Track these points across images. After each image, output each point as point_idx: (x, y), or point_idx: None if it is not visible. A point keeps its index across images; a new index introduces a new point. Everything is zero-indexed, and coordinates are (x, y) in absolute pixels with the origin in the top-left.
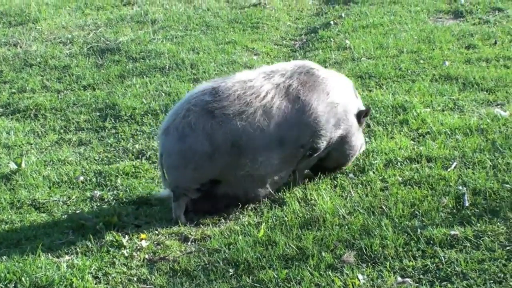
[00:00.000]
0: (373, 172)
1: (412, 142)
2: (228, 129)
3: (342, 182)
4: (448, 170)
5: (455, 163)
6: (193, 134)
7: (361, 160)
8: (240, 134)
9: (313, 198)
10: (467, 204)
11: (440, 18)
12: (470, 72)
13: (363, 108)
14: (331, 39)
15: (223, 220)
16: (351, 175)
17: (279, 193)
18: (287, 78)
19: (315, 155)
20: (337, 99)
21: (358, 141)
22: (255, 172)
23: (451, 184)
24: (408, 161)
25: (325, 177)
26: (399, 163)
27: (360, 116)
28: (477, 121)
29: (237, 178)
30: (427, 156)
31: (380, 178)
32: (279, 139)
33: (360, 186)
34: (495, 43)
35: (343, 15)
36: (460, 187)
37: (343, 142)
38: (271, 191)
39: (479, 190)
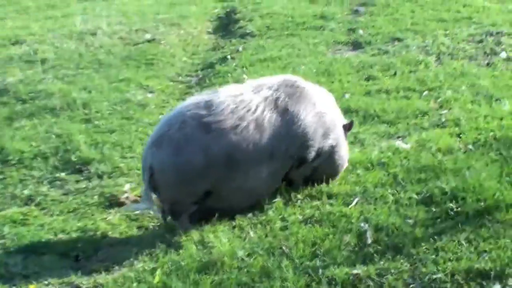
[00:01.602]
0: (273, 211)
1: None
2: (223, 143)
3: (241, 222)
4: (350, 206)
5: (356, 199)
6: (190, 147)
7: (261, 200)
8: (234, 147)
9: (210, 240)
10: (369, 241)
11: (339, 49)
12: (370, 104)
13: (344, 121)
14: (229, 74)
15: (116, 267)
16: (249, 214)
17: (175, 237)
18: (274, 90)
19: (304, 166)
20: (324, 109)
21: (346, 153)
22: (245, 185)
23: (352, 221)
24: (308, 198)
25: (223, 218)
26: (299, 201)
27: (345, 128)
28: (378, 154)
29: (228, 191)
30: (328, 192)
31: (280, 217)
32: (270, 152)
33: (260, 226)
34: (395, 73)
35: (240, 49)
36: (362, 224)
37: (333, 152)
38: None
39: (382, 226)
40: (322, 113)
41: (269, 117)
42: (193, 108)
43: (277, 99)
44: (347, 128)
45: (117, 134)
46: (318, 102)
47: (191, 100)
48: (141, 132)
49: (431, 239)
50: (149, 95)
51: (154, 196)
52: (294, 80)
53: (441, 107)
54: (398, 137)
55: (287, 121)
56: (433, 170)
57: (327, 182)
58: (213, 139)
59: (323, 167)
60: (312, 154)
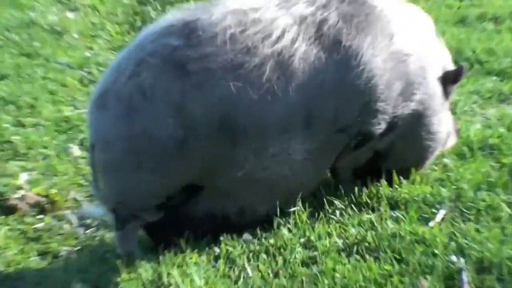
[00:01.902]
0: (289, 230)
1: None
2: (214, 96)
3: (230, 249)
4: (431, 223)
5: (442, 212)
6: (150, 106)
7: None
8: (235, 105)
9: (173, 281)
10: None
11: None
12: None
13: (450, 65)
14: None
15: None
16: (245, 234)
17: (108, 272)
18: (320, 7)
19: (366, 145)
20: (409, 47)
21: (444, 125)
22: (261, 174)
23: (436, 250)
24: (354, 207)
25: (199, 241)
26: (337, 212)
27: (446, 80)
28: (482, 131)
29: (229, 184)
30: (390, 197)
31: (301, 240)
32: (305, 116)
33: (264, 256)
34: None
35: None
36: (453, 257)
37: (418, 124)
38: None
39: (490, 261)
40: (404, 54)
41: (304, 53)
42: (160, 36)
43: (322, 22)
44: (452, 79)
45: (12, 82)
46: (399, 34)
47: (160, 22)
48: (52, 81)
49: None
50: (70, 15)
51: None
52: None
53: None
54: None
55: (338, 63)
56: None
57: (405, 177)
58: (195, 90)
59: (399, 148)
60: (381, 125)
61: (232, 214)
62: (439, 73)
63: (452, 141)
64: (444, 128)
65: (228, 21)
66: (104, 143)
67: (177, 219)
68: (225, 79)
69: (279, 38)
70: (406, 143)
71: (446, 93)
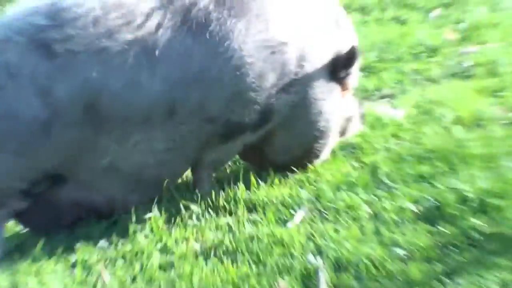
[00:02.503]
0: (146, 236)
1: None
2: (78, 79)
3: (86, 256)
4: (289, 225)
5: (301, 212)
6: (14, 85)
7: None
8: (99, 88)
9: None
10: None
11: None
12: None
13: (346, 46)
14: None
15: None
16: (102, 241)
17: None
18: None
19: (238, 137)
20: (287, 35)
21: (333, 114)
22: (124, 163)
23: (293, 252)
24: (212, 211)
25: (57, 248)
26: (194, 216)
27: (336, 64)
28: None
29: (93, 173)
30: (249, 200)
31: (159, 245)
32: (168, 105)
33: (121, 262)
34: None
35: None
36: (311, 257)
37: (296, 115)
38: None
39: (347, 261)
40: (280, 42)
41: (170, 38)
42: (27, 15)
43: (192, 5)
44: (345, 62)
45: None
46: (275, 17)
47: (26, 1)
48: None
49: (438, 282)
50: None
51: None
52: None
53: (464, 39)
54: (381, 98)
55: (206, 49)
56: (444, 159)
57: (294, 168)
58: (60, 72)
59: (279, 139)
60: (252, 117)
61: (99, 203)
62: (327, 59)
63: (355, 126)
64: (332, 115)
65: (93, 3)
66: None
67: (44, 207)
68: (89, 63)
69: (144, 22)
70: (286, 134)
71: (339, 79)
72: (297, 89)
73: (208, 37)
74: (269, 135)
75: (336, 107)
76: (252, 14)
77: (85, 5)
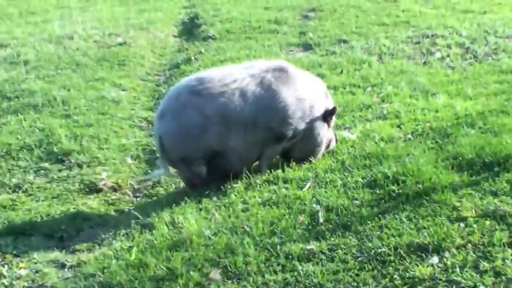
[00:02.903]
0: (235, 195)
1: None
2: (214, 104)
3: (207, 205)
4: (303, 190)
5: (309, 183)
6: (186, 111)
7: (223, 185)
8: (224, 107)
9: (180, 221)
10: (321, 220)
11: (292, 50)
12: None
13: (330, 106)
14: (193, 73)
15: (97, 247)
16: (214, 198)
17: (148, 218)
18: (263, 71)
19: (282, 142)
20: (305, 96)
21: (324, 137)
22: (238, 146)
23: (306, 202)
24: (266, 183)
25: (191, 201)
26: (258, 186)
27: (326, 114)
28: None
29: (229, 150)
30: (283, 178)
31: (241, 200)
32: (253, 118)
33: (223, 208)
34: (341, 72)
35: (203, 50)
36: (315, 205)
37: (308, 135)
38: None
39: (332, 207)
40: (302, 99)
41: (253, 90)
42: (186, 82)
43: (263, 78)
44: (330, 113)
45: (94, 128)
46: (300, 88)
47: (184, 80)
48: (115, 126)
49: (376, 217)
50: (122, 93)
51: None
52: (285, 66)
53: (383, 101)
54: (345, 128)
55: (270, 96)
56: (376, 157)
57: (303, 163)
58: (205, 101)
59: (299, 146)
60: (290, 132)
61: (229, 169)
62: (322, 109)
63: (333, 144)
64: (323, 138)
65: (217, 74)
66: (166, 133)
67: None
68: (218, 97)
69: (241, 82)
70: (302, 144)
71: (327, 120)
72: (309, 122)
73: (271, 91)
74: (293, 144)
75: (325, 133)
76: (290, 84)
77: (214, 75)
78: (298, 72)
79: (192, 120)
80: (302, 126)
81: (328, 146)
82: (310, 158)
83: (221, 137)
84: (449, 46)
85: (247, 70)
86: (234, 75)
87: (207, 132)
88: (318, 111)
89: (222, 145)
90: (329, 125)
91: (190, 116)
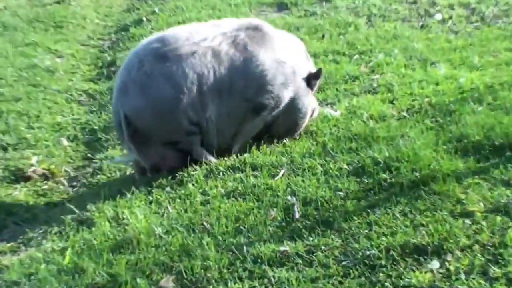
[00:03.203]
0: (192, 184)
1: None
2: (185, 69)
3: (158, 197)
4: (276, 178)
5: (283, 171)
6: (154, 82)
7: (179, 172)
8: (197, 72)
9: (125, 217)
10: (297, 215)
11: (263, 11)
12: None
13: (313, 69)
14: (144, 37)
15: (23, 247)
16: (167, 188)
17: (87, 213)
18: (234, 30)
19: (262, 114)
20: (285, 58)
21: (309, 106)
22: (214, 118)
23: (279, 194)
24: (231, 170)
25: (139, 192)
26: (221, 173)
27: (310, 78)
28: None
29: (219, 118)
30: (252, 163)
31: (200, 190)
32: (229, 85)
33: (178, 200)
34: (323, 36)
35: (156, 10)
36: (289, 197)
37: (292, 105)
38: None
39: (310, 199)
40: (282, 61)
41: (227, 50)
42: (146, 45)
43: (236, 36)
44: (314, 77)
45: (23, 103)
46: (279, 49)
47: (143, 42)
48: (49, 100)
49: (363, 212)
50: (58, 60)
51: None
52: (258, 24)
53: (372, 71)
54: (327, 104)
55: (245, 59)
56: (364, 139)
57: (287, 138)
58: (173, 66)
59: (281, 120)
60: (270, 101)
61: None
62: (305, 74)
63: (316, 113)
64: (308, 107)
65: (182, 32)
66: (135, 114)
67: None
68: (188, 59)
69: (212, 40)
70: (286, 116)
71: (311, 86)
72: (292, 88)
73: (247, 53)
74: (275, 118)
75: (309, 101)
76: (267, 45)
77: (179, 34)
78: (274, 30)
79: (163, 93)
80: (284, 94)
81: (311, 115)
82: (294, 132)
83: (197, 107)
84: (451, 6)
85: (216, 28)
86: (203, 32)
87: (183, 104)
88: (301, 75)
89: (200, 117)
90: (312, 91)
91: (160, 88)
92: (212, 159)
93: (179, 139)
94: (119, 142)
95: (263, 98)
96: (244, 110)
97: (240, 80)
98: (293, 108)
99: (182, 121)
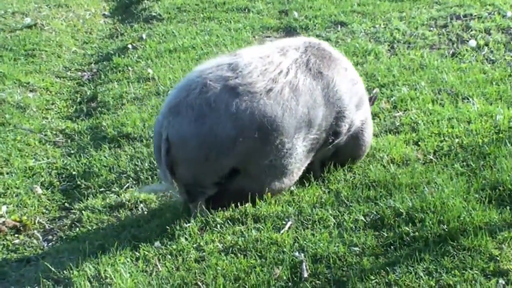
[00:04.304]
0: (186, 238)
1: None
2: (255, 109)
3: (146, 252)
4: (282, 231)
5: (289, 223)
6: (214, 114)
7: (170, 225)
8: (268, 115)
9: (108, 275)
10: (306, 274)
11: (269, 36)
12: None
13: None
14: (129, 68)
15: None
16: (157, 243)
17: (64, 271)
18: (302, 52)
19: (336, 142)
20: (355, 77)
21: (372, 131)
22: (279, 162)
23: (285, 249)
24: (230, 222)
25: (125, 247)
26: (218, 226)
27: (370, 100)
28: None
29: (258, 169)
30: (254, 215)
31: (194, 245)
32: (307, 122)
33: (170, 257)
34: None
35: (144, 36)
36: (297, 253)
37: (362, 127)
38: (289, 185)
39: (321, 255)
40: (354, 80)
41: (303, 81)
42: (215, 70)
43: (308, 61)
44: (371, 101)
45: None
46: (349, 68)
47: (209, 63)
48: (20, 141)
49: (382, 270)
50: (30, 95)
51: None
52: (318, 42)
53: (394, 107)
54: None
55: (323, 85)
56: (384, 186)
57: (347, 165)
58: (242, 104)
59: (349, 146)
60: (345, 127)
61: (255, 190)
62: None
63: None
64: (371, 132)
65: (256, 62)
66: (181, 140)
67: (222, 193)
68: (262, 99)
69: (288, 73)
70: (354, 141)
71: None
72: (363, 110)
73: (322, 78)
74: (342, 145)
75: (372, 126)
76: (338, 65)
77: (253, 64)
78: (331, 47)
79: (220, 129)
80: (357, 117)
81: None
82: (360, 158)
83: (252, 154)
84: (487, 31)
85: (285, 55)
86: (276, 63)
87: (235, 149)
88: (366, 96)
89: (249, 164)
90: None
91: (218, 122)
92: (204, 212)
93: (206, 184)
94: (156, 167)
95: (340, 125)
96: (321, 142)
97: (319, 113)
98: (363, 131)
99: (223, 166)
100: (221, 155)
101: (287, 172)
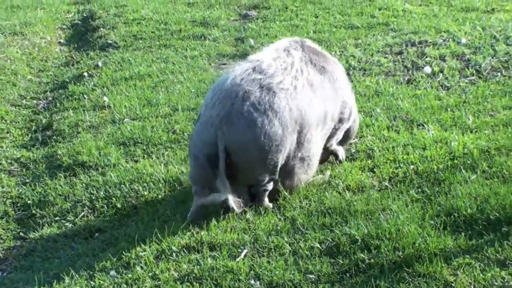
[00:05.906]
0: (141, 267)
1: (191, 225)
2: (292, 105)
3: (101, 282)
4: (237, 259)
5: (245, 251)
6: (262, 116)
7: (125, 253)
8: (300, 109)
9: None
10: None
11: (224, 64)
12: None
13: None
14: (85, 96)
15: None
16: (112, 272)
17: None
18: (302, 51)
19: (341, 128)
20: (342, 67)
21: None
22: (306, 154)
23: (241, 277)
24: (185, 250)
25: (79, 277)
26: (174, 254)
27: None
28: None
29: (293, 162)
30: (210, 242)
31: (150, 274)
32: (324, 113)
33: (125, 286)
34: None
35: (100, 64)
36: (253, 281)
37: (354, 111)
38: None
39: (277, 283)
40: (344, 70)
41: (314, 76)
42: (245, 75)
43: (310, 58)
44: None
45: None
46: (335, 60)
47: (231, 72)
48: None
49: None
50: None
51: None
52: (303, 40)
53: None
54: None
55: (328, 79)
56: (340, 213)
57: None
58: (282, 102)
59: (351, 127)
60: (348, 112)
61: (286, 184)
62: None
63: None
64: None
65: (274, 63)
66: (240, 147)
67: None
68: (294, 94)
69: (302, 70)
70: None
71: None
72: (353, 95)
73: (328, 74)
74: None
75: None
76: (333, 64)
77: (274, 65)
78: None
79: (271, 128)
80: (352, 101)
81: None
82: (350, 140)
83: (292, 148)
84: (442, 58)
85: (290, 55)
86: (289, 62)
87: (284, 145)
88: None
89: (288, 157)
90: None
91: (268, 122)
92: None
93: (267, 181)
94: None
95: (344, 112)
96: (331, 130)
97: (330, 104)
98: (354, 113)
99: (278, 163)
100: (275, 153)
101: (312, 163)
